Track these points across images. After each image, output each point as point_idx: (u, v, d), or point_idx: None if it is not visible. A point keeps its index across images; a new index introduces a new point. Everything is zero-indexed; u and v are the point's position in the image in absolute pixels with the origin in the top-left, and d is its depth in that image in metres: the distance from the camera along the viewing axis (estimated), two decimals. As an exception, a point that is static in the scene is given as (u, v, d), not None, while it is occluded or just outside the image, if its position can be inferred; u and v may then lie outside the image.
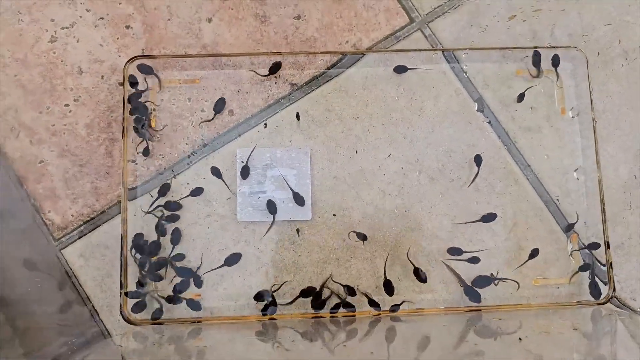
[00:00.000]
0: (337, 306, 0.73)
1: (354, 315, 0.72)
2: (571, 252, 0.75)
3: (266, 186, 0.75)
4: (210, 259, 0.73)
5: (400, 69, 0.77)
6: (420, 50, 0.78)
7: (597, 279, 0.74)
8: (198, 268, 0.73)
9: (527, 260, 0.74)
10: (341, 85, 0.77)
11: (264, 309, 0.72)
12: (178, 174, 0.75)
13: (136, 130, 0.74)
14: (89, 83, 0.77)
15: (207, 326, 0.72)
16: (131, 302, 0.71)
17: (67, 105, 0.76)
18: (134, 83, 0.75)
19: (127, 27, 0.78)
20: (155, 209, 0.74)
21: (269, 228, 0.74)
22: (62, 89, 0.76)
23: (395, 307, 0.72)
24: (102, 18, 0.77)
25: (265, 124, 0.76)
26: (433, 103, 0.77)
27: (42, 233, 0.74)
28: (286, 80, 0.77)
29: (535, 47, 0.77)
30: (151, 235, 0.73)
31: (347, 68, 0.77)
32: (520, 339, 0.62)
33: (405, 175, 0.76)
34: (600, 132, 0.77)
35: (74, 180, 0.75)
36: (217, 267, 0.73)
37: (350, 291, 0.73)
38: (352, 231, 0.74)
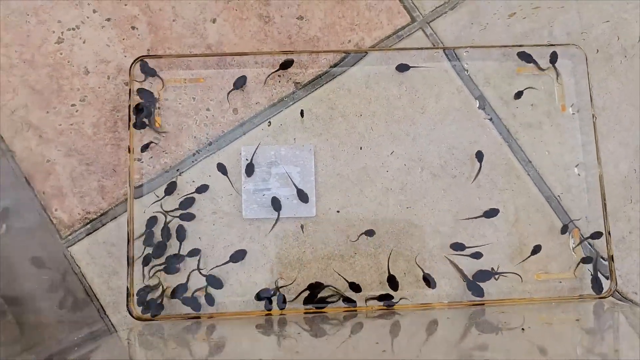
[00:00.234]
0: (323, 300, 0.73)
1: (355, 310, 0.73)
2: (574, 247, 0.76)
3: (271, 183, 0.76)
4: (215, 256, 0.74)
5: (402, 68, 0.78)
6: (421, 48, 0.79)
7: (599, 274, 0.74)
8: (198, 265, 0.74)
9: (529, 256, 0.75)
10: (344, 84, 0.78)
11: (269, 304, 0.73)
12: (183, 171, 0.76)
13: (138, 126, 0.75)
14: (95, 83, 0.78)
15: (213, 322, 0.72)
16: (137, 298, 0.72)
17: (73, 105, 0.77)
18: (139, 83, 0.76)
19: (133, 27, 0.79)
20: (171, 210, 0.74)
21: (274, 225, 0.75)
22: (69, 89, 0.77)
23: (390, 303, 0.73)
24: (108, 19, 0.79)
25: (270, 122, 0.77)
26: (435, 101, 0.78)
27: (50, 231, 0.75)
28: (290, 79, 0.78)
29: (535, 45, 0.78)
30: (158, 233, 0.74)
31: (350, 67, 0.79)
32: (523, 329, 0.63)
33: (408, 172, 0.77)
34: (600, 128, 0.77)
35: (81, 179, 0.76)
36: (223, 264, 0.74)
37: (355, 288, 0.74)
38: (361, 234, 0.75)
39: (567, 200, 0.77)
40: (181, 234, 0.74)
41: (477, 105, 0.78)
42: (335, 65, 0.79)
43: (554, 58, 0.78)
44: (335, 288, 0.74)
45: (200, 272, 0.74)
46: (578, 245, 0.76)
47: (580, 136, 0.78)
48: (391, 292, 0.74)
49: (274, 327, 0.71)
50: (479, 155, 0.76)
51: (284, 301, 0.73)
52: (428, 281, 0.74)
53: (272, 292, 0.73)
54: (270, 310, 0.73)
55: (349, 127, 0.77)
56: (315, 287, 0.73)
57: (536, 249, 0.75)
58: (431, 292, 0.74)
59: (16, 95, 0.77)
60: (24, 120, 0.76)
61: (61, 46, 0.78)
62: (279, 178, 0.76)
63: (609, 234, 0.74)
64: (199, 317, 0.73)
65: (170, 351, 0.65)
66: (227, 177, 0.76)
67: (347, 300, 0.73)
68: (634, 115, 0.78)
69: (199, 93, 0.77)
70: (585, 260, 0.75)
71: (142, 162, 0.76)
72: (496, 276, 0.74)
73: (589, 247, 0.76)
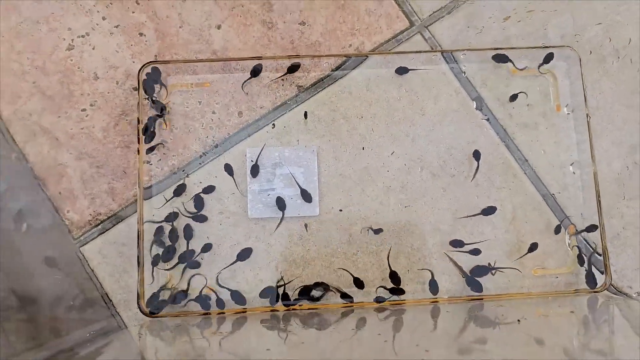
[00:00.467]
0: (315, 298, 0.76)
1: (352, 306, 0.76)
2: (569, 242, 0.78)
3: (275, 184, 0.78)
4: (223, 254, 0.77)
5: (401, 70, 0.80)
6: (420, 52, 0.81)
7: (593, 268, 0.77)
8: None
9: (526, 253, 0.77)
10: (345, 87, 0.81)
11: (274, 301, 0.76)
12: (191, 173, 0.79)
13: (145, 130, 0.78)
14: (105, 88, 0.80)
15: (220, 318, 0.75)
16: (148, 295, 0.75)
17: (84, 109, 0.80)
18: (147, 88, 0.78)
19: (141, 34, 0.81)
20: (190, 215, 0.77)
21: (279, 224, 0.77)
22: (79, 95, 0.80)
23: (380, 298, 0.76)
24: (116, 26, 0.81)
25: (274, 125, 0.80)
26: (433, 102, 0.81)
27: (62, 232, 0.78)
28: (293, 82, 0.81)
29: (530, 47, 0.80)
30: (167, 233, 0.77)
31: (351, 70, 0.81)
32: (519, 320, 0.65)
33: (408, 172, 0.79)
34: (594, 127, 0.80)
35: (92, 181, 0.79)
36: (231, 264, 0.76)
37: (359, 284, 0.76)
38: (369, 228, 0.77)
39: (563, 197, 0.79)
40: (188, 233, 0.77)
41: (475, 106, 0.81)
42: (337, 68, 0.81)
43: (548, 59, 0.80)
44: (327, 285, 0.76)
45: (219, 285, 0.76)
46: (573, 235, 0.78)
47: (575, 135, 0.80)
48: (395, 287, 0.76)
49: (279, 323, 0.73)
50: (477, 155, 0.79)
51: (287, 298, 0.76)
52: (433, 288, 0.76)
53: (276, 289, 0.76)
54: (273, 306, 0.75)
55: (351, 129, 0.80)
56: (311, 287, 0.76)
57: (533, 247, 0.77)
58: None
59: (29, 100, 0.80)
60: (36, 125, 0.79)
61: (71, 53, 0.81)
62: (283, 178, 0.78)
63: (604, 229, 0.77)
64: (208, 314, 0.75)
65: (180, 345, 0.68)
66: (233, 177, 0.78)
67: (345, 296, 0.76)
68: (626, 114, 0.80)
69: (205, 97, 0.80)
70: (580, 256, 0.77)
71: (150, 164, 0.78)
72: (493, 271, 0.76)
73: (584, 242, 0.78)
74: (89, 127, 0.80)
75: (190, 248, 0.76)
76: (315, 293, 0.76)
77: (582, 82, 0.80)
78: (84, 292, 0.77)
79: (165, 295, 0.75)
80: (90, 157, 0.79)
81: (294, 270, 0.77)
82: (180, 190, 0.78)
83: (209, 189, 0.78)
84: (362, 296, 0.76)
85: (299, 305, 0.75)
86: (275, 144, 0.79)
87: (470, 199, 0.79)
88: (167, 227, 0.77)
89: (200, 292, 0.75)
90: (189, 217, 0.77)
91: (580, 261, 0.77)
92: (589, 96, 0.80)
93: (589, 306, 0.73)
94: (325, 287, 0.76)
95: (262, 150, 0.79)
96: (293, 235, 0.78)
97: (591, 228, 0.77)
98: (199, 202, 0.77)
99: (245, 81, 0.79)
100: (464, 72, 0.81)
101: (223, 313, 0.75)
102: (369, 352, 0.62)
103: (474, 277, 0.76)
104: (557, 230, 0.78)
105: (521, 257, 0.77)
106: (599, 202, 0.77)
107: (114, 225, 0.78)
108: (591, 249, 0.78)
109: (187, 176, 0.79)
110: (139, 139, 0.77)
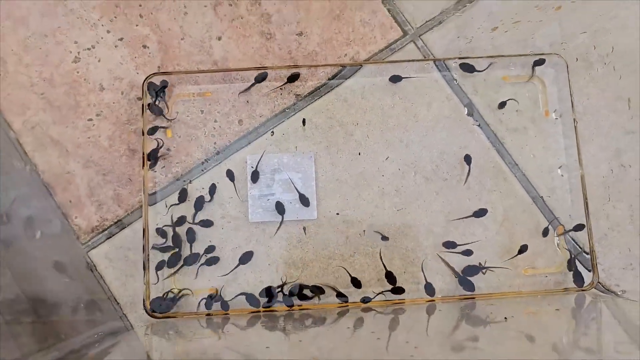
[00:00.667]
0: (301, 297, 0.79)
1: (347, 306, 0.79)
2: (558, 243, 0.81)
3: (274, 189, 0.81)
4: (225, 257, 0.80)
5: (395, 79, 0.84)
6: (413, 60, 0.84)
7: (581, 267, 0.80)
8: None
9: (516, 255, 0.80)
10: (341, 95, 0.84)
11: (269, 302, 0.79)
12: (193, 179, 0.82)
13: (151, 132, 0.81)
14: (110, 99, 0.84)
15: (222, 318, 0.78)
16: (153, 297, 0.78)
17: (90, 119, 0.83)
18: (151, 98, 0.82)
19: (144, 46, 0.85)
20: (194, 222, 0.81)
21: (278, 227, 0.81)
22: (86, 105, 0.83)
23: (366, 298, 0.79)
24: (121, 39, 0.84)
25: (273, 132, 0.83)
26: (426, 109, 0.84)
27: (70, 237, 0.81)
28: (291, 91, 0.84)
29: (519, 55, 0.83)
30: (169, 236, 0.80)
31: (347, 79, 0.84)
32: (506, 318, 0.68)
33: (403, 176, 0.82)
34: (582, 132, 0.83)
35: (98, 188, 0.82)
36: (235, 268, 0.79)
37: (356, 283, 0.79)
38: (376, 231, 0.80)
39: (552, 200, 0.82)
40: (191, 237, 0.80)
41: (466, 113, 0.84)
42: (333, 77, 0.84)
43: (537, 65, 0.83)
44: (319, 286, 0.79)
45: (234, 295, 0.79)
46: (561, 235, 0.80)
47: (563, 140, 0.83)
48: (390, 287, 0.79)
49: (278, 322, 0.76)
50: (468, 159, 0.82)
51: (287, 297, 0.79)
52: (428, 291, 0.79)
53: (276, 291, 0.79)
54: (270, 307, 0.79)
55: (347, 135, 0.83)
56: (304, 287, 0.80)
57: (523, 248, 0.80)
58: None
59: (37, 111, 0.83)
60: (45, 135, 0.82)
61: (78, 65, 0.84)
62: (282, 184, 0.81)
63: (591, 230, 0.80)
64: (210, 315, 0.78)
65: (184, 345, 0.71)
66: (234, 183, 0.81)
67: (340, 295, 0.79)
68: (612, 119, 0.83)
69: (207, 106, 0.83)
70: (569, 256, 0.80)
71: (155, 171, 0.82)
72: (483, 270, 0.79)
73: (573, 242, 0.81)
74: (95, 136, 0.83)
75: (194, 251, 0.80)
76: (307, 292, 0.79)
77: (569, 88, 0.83)
78: (92, 295, 0.80)
79: (169, 297, 0.78)
80: (96, 165, 0.82)
81: (293, 272, 0.80)
82: (183, 196, 0.81)
83: (212, 190, 0.81)
84: (359, 296, 0.79)
85: (298, 306, 0.78)
86: (275, 150, 0.83)
87: (462, 201, 0.82)
88: (171, 232, 0.80)
89: (208, 295, 0.79)
90: (196, 223, 0.80)
91: (570, 265, 0.80)
92: (576, 102, 0.83)
93: (577, 304, 0.76)
94: (319, 289, 0.79)
95: (261, 157, 0.82)
96: (292, 238, 0.81)
97: (579, 227, 0.80)
98: (199, 204, 0.80)
99: (246, 89, 0.83)
100: (456, 80, 0.84)
101: (226, 314, 0.78)
102: (364, 349, 0.65)
103: (466, 277, 0.79)
104: (546, 231, 0.81)
105: (511, 258, 0.80)
106: (586, 204, 0.80)
107: (120, 230, 0.81)
108: (579, 248, 0.81)
109: (190, 182, 0.82)
110: (143, 146, 0.81)
